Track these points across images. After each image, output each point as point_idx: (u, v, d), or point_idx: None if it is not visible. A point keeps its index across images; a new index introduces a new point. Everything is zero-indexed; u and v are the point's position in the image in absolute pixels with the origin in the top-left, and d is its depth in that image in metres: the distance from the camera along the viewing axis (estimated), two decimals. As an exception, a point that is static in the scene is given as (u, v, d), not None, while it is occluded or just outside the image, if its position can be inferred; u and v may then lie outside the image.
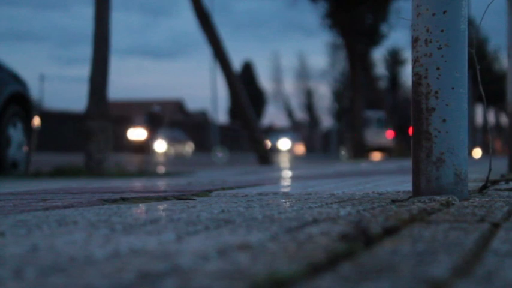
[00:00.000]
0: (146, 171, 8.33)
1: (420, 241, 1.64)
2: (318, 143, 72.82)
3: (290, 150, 58.95)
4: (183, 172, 8.70)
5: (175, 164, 14.87)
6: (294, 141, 63.92)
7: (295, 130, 70.86)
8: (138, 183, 5.41)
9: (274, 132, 66.52)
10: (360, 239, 1.63)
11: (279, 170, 10.07)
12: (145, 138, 40.83)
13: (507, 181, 4.40)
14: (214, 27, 14.16)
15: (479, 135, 54.92)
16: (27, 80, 8.66)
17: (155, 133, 43.04)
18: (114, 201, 3.20)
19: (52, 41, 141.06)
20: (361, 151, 29.06)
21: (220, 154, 21.74)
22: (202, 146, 51.97)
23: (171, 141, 44.40)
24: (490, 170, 3.58)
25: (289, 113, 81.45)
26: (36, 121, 8.72)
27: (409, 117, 3.25)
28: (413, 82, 3.14)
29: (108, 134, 8.35)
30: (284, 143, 61.47)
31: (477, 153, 43.84)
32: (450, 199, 2.82)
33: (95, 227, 1.98)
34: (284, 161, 20.61)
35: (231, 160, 20.75)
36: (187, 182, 5.47)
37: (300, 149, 63.51)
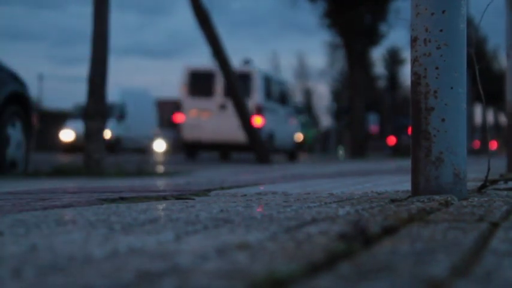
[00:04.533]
0: (145, 170, 8.32)
1: (419, 241, 1.64)
2: (316, 142, 72.51)
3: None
4: (182, 172, 8.70)
5: (175, 163, 14.87)
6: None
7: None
8: (137, 183, 5.41)
9: None
10: (359, 238, 1.63)
11: (278, 169, 10.07)
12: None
13: (506, 181, 4.40)
14: (213, 26, 14.16)
15: (478, 135, 54.97)
16: (25, 80, 8.65)
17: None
18: (113, 200, 3.20)
19: (49, 41, 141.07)
20: (360, 150, 29.06)
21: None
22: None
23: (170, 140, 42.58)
24: (488, 169, 3.58)
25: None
26: (35, 121, 8.72)
27: (408, 117, 3.24)
28: (412, 82, 3.14)
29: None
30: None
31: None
32: (449, 199, 2.82)
33: (93, 227, 1.98)
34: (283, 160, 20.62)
35: (230, 160, 20.71)
36: (186, 182, 5.47)
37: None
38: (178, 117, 19.78)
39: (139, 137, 30.26)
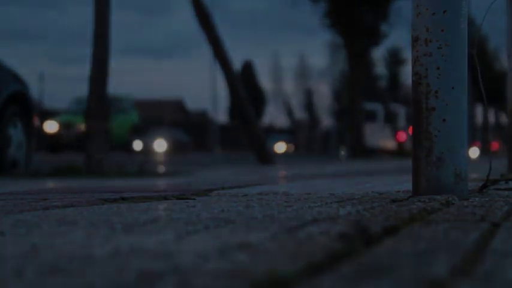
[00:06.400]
0: (146, 171, 8.32)
1: (420, 241, 1.64)
2: (317, 142, 72.35)
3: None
4: (183, 172, 8.70)
5: (176, 163, 14.87)
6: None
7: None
8: (138, 183, 5.41)
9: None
10: (360, 238, 1.63)
11: (279, 169, 10.07)
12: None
13: (507, 181, 4.39)
14: (214, 27, 14.15)
15: (479, 135, 54.92)
16: (26, 80, 8.65)
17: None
18: (114, 200, 3.20)
19: (50, 40, 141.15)
20: (360, 151, 29.04)
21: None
22: (201, 146, 52.03)
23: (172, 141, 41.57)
24: (490, 169, 3.57)
25: (289, 113, 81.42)
26: (37, 121, 8.72)
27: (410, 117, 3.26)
28: (413, 82, 3.14)
29: (108, 134, 8.37)
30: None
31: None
32: (450, 199, 2.82)
33: (94, 227, 1.98)
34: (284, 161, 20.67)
35: (230, 160, 20.77)
36: (187, 182, 5.47)
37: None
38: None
39: None
